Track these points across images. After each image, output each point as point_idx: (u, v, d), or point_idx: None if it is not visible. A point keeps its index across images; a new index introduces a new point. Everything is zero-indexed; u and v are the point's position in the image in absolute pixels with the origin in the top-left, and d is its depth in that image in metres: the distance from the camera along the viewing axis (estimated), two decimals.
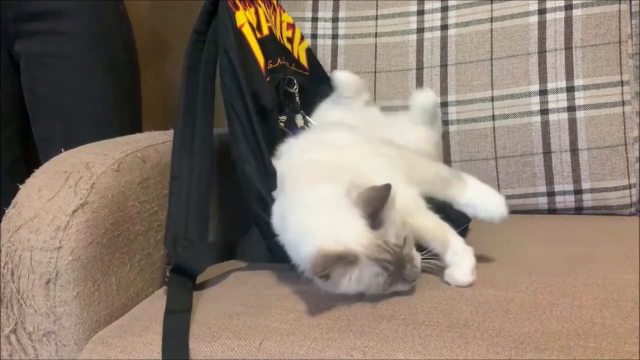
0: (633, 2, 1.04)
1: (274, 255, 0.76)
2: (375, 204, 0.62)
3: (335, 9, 1.16)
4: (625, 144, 1.01)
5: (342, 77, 1.00)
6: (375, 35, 1.14)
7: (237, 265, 0.83)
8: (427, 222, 0.70)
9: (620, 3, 1.03)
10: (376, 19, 1.15)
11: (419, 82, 1.12)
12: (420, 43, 1.12)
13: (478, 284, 0.67)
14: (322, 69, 1.10)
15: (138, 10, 1.43)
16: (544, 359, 0.51)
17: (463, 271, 0.67)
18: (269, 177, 0.79)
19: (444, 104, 1.09)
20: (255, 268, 0.82)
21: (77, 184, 0.69)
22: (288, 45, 1.02)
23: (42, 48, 1.10)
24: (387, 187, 0.62)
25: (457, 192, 0.74)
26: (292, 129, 0.93)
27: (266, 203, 0.77)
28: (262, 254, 0.79)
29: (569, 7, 1.04)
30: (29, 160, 1.18)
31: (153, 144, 0.82)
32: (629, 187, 1.01)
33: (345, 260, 0.60)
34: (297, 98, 0.95)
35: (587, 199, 1.02)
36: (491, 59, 1.07)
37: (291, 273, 0.76)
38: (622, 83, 1.02)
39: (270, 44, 0.92)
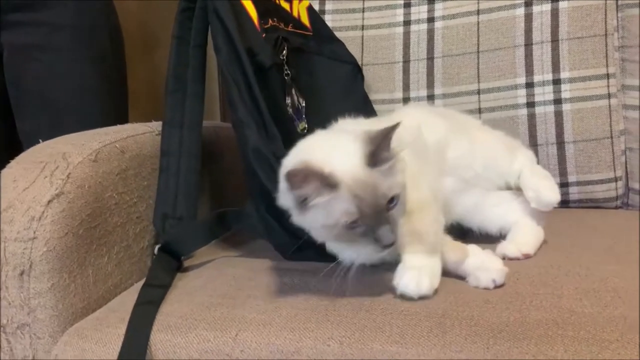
0: None
1: (267, 226, 0.75)
2: (377, 141, 0.59)
3: (322, 1, 1.15)
4: (612, 137, 1.01)
5: None
6: (362, 27, 1.14)
7: (219, 254, 0.83)
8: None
9: None
10: (363, 12, 1.14)
11: (406, 75, 1.11)
12: (407, 36, 1.11)
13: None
14: (327, 28, 1.05)
15: (127, 4, 1.42)
16: (522, 348, 0.50)
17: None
18: (272, 140, 0.76)
19: (431, 97, 1.08)
20: (237, 259, 0.81)
21: (53, 174, 0.68)
22: (285, 5, 0.96)
23: (27, 39, 1.08)
24: (393, 127, 0.59)
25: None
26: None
27: (271, 166, 0.74)
28: (254, 224, 0.77)
29: (555, 0, 1.04)
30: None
31: (133, 134, 0.81)
32: (615, 179, 1.01)
33: (325, 180, 0.57)
34: (285, 70, 0.90)
35: (574, 192, 1.01)
36: (477, 52, 1.07)
37: (273, 264, 0.76)
38: (608, 76, 1.01)
39: (260, 3, 0.88)
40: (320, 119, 0.93)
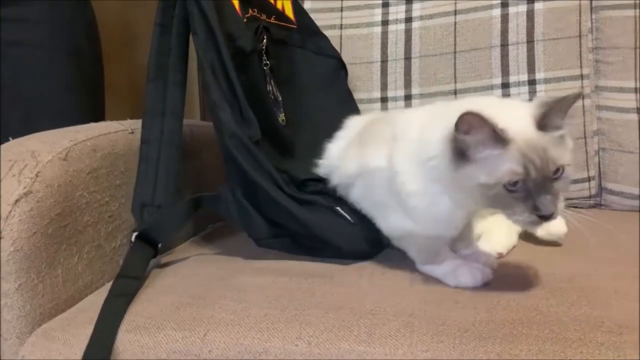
0: None
1: (242, 211, 0.75)
2: (552, 104, 0.57)
3: (301, 0, 1.15)
4: (585, 137, 1.02)
5: None
6: (341, 27, 1.14)
7: (194, 252, 0.84)
8: None
9: None
10: (341, 11, 1.14)
11: (384, 75, 1.11)
12: (384, 35, 1.12)
13: (428, 272, 0.67)
14: (312, 22, 1.05)
15: (108, 5, 1.40)
16: (487, 347, 0.51)
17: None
18: (247, 124, 0.77)
19: (408, 97, 1.09)
20: (212, 257, 0.82)
21: (22, 172, 0.67)
22: None
23: (3, 35, 1.06)
24: (575, 95, 0.57)
25: None
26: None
27: (248, 149, 0.74)
28: (229, 208, 0.77)
29: (530, 1, 1.05)
30: None
31: (105, 133, 0.80)
32: (589, 179, 1.02)
33: (497, 134, 0.55)
34: (264, 60, 0.89)
35: None
36: (454, 52, 1.07)
37: (246, 263, 0.76)
38: (582, 77, 1.02)
39: None
40: (299, 112, 0.94)
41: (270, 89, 0.89)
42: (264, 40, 0.90)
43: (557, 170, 0.57)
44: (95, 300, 0.69)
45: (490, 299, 0.59)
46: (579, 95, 0.58)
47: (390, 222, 0.71)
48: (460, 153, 0.58)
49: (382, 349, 0.52)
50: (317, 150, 0.91)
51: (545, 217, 0.56)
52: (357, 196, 0.76)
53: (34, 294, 0.65)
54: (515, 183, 0.56)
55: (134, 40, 1.51)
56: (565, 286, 0.62)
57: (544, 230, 0.80)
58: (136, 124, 0.86)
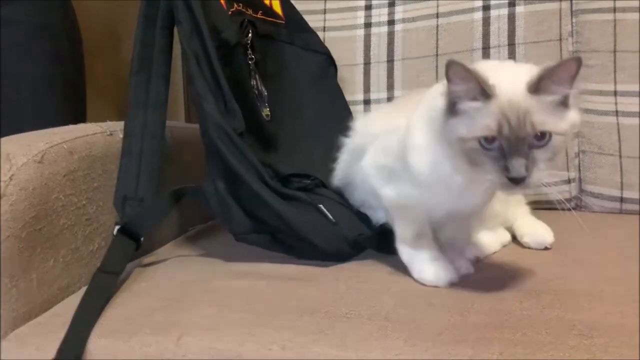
0: (574, 1, 1.06)
1: (223, 204, 0.75)
2: (548, 68, 0.55)
3: None
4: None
5: None
6: (324, 29, 1.14)
7: (174, 254, 0.83)
8: None
9: (561, 1, 1.05)
10: (324, 13, 1.14)
11: (367, 77, 1.12)
12: (367, 38, 1.12)
13: (405, 276, 0.68)
14: (301, 18, 1.05)
15: (92, 5, 1.40)
16: (459, 350, 0.51)
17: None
18: (232, 115, 0.77)
19: (390, 99, 1.09)
20: (193, 259, 0.81)
21: None
22: None
23: None
24: (575, 60, 0.56)
25: None
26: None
27: (232, 141, 0.74)
28: (210, 201, 0.77)
29: (512, 4, 1.05)
30: None
31: (83, 135, 0.79)
32: (569, 181, 1.03)
33: (481, 85, 0.55)
34: (249, 54, 0.89)
35: (529, 194, 1.03)
36: (436, 55, 1.08)
37: (225, 266, 0.76)
38: None
39: None
40: (286, 107, 0.94)
41: (255, 83, 0.89)
42: (249, 35, 0.90)
43: (540, 136, 0.55)
44: (71, 304, 0.68)
45: (465, 302, 0.59)
46: (579, 61, 0.56)
47: (390, 189, 0.70)
48: (452, 105, 0.58)
49: (355, 353, 0.52)
50: (303, 145, 0.91)
51: (515, 180, 0.55)
52: (368, 162, 0.74)
53: (7, 298, 0.64)
54: (491, 141, 0.55)
55: (119, 39, 1.50)
56: (540, 289, 0.62)
57: (530, 238, 0.81)
58: (115, 126, 0.85)
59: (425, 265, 0.65)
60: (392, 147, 0.69)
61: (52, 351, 0.58)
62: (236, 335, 0.56)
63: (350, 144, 0.83)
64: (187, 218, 1.02)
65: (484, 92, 0.55)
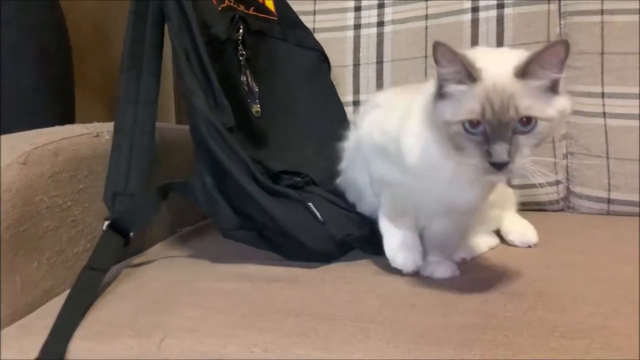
0: (562, 3, 1.06)
1: (211, 199, 0.75)
2: (533, 53, 0.55)
3: None
4: (553, 141, 1.03)
5: None
6: (313, 30, 1.13)
7: (161, 255, 0.83)
8: None
9: (549, 3, 1.05)
10: (314, 14, 1.14)
11: (356, 78, 1.12)
12: (357, 39, 1.12)
13: (391, 278, 0.68)
14: (294, 14, 1.04)
15: (80, 2, 1.39)
16: (441, 352, 0.51)
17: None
18: (221, 110, 0.77)
19: None
20: (180, 260, 0.81)
21: None
22: None
23: None
24: (562, 43, 0.54)
25: None
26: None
27: (221, 136, 0.74)
28: (197, 196, 0.77)
29: (500, 6, 1.06)
30: None
31: (68, 136, 0.78)
32: (557, 183, 1.03)
33: (467, 68, 0.54)
34: (240, 50, 0.89)
35: (516, 195, 1.03)
36: (425, 57, 1.08)
37: (213, 267, 0.75)
38: None
39: None
40: (278, 104, 0.94)
41: (245, 79, 0.90)
42: (240, 31, 0.90)
43: (526, 121, 0.54)
44: (55, 307, 0.67)
45: (448, 303, 0.59)
46: (566, 44, 0.55)
47: (381, 167, 0.71)
48: (439, 88, 0.57)
49: (337, 355, 0.52)
50: (295, 142, 0.91)
51: (497, 165, 0.54)
52: (365, 129, 0.75)
53: None
54: (475, 125, 0.55)
55: (109, 38, 1.49)
56: (524, 290, 0.63)
57: (515, 236, 0.82)
58: (102, 127, 0.85)
59: (400, 249, 0.67)
60: (389, 129, 0.69)
61: (35, 354, 0.58)
62: (219, 338, 0.56)
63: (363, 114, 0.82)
64: (178, 218, 1.02)
65: (470, 75, 0.55)
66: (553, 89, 0.56)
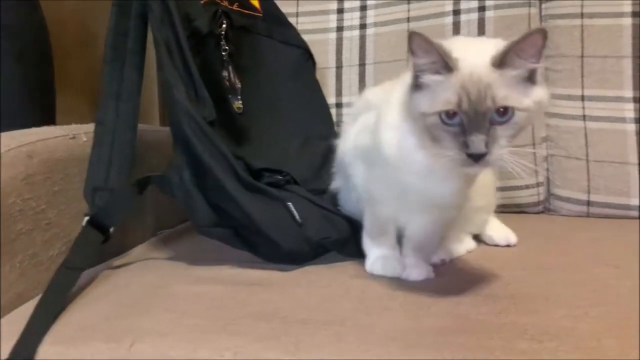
0: (543, 6, 1.07)
1: (187, 194, 0.75)
2: (511, 42, 0.54)
3: None
4: (534, 144, 1.03)
5: None
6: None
7: (141, 257, 0.83)
8: None
9: (530, 7, 1.06)
10: (297, 17, 1.14)
11: (339, 81, 1.12)
12: (339, 42, 1.12)
13: (367, 281, 0.67)
14: (279, 11, 1.04)
15: (67, 2, 1.38)
16: (412, 355, 0.51)
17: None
18: (202, 104, 0.76)
19: None
20: (157, 262, 0.81)
21: None
22: None
23: None
24: (539, 31, 0.54)
25: None
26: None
27: (201, 129, 0.74)
28: (174, 190, 0.76)
29: (482, 9, 1.06)
30: None
31: (44, 138, 0.77)
32: (537, 185, 1.04)
33: (443, 58, 0.54)
34: (223, 45, 0.89)
35: (497, 197, 1.03)
36: (407, 59, 1.08)
37: (190, 270, 0.75)
38: None
39: None
40: (261, 101, 0.93)
41: (227, 74, 0.89)
42: (223, 26, 0.89)
43: (503, 111, 0.54)
44: (28, 311, 0.67)
45: (422, 306, 0.59)
46: (544, 33, 0.54)
47: (362, 170, 0.71)
48: (415, 79, 0.57)
49: (308, 359, 0.52)
50: (278, 140, 0.90)
51: (474, 157, 0.54)
52: (345, 143, 0.76)
53: None
54: (451, 116, 0.54)
55: (93, 37, 1.48)
56: (498, 293, 0.63)
57: (495, 232, 0.83)
58: (79, 129, 0.84)
59: (377, 259, 0.68)
60: (370, 125, 0.68)
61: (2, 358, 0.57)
62: (189, 342, 0.55)
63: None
64: (162, 219, 1.01)
65: (447, 65, 0.54)
66: (530, 78, 0.56)
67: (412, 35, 0.55)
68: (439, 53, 0.54)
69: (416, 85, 0.57)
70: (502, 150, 0.54)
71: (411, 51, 0.56)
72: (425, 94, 0.56)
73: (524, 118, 0.55)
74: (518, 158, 0.56)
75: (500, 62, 0.54)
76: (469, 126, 0.54)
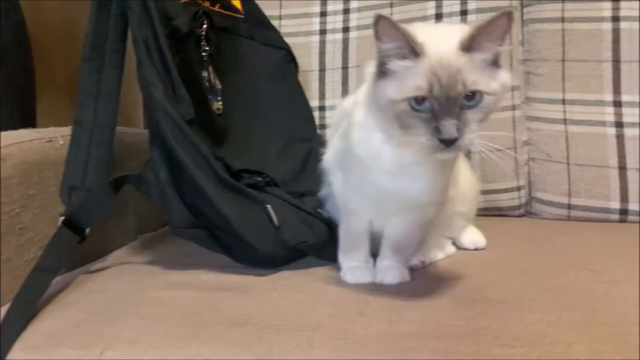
0: (524, 10, 1.07)
1: (164, 194, 0.74)
2: (477, 26, 0.54)
3: None
4: (515, 147, 1.04)
5: None
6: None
7: (117, 262, 0.82)
8: None
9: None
10: (280, 19, 1.14)
11: (322, 84, 1.11)
12: (322, 45, 1.12)
13: (343, 286, 0.67)
14: (261, 13, 1.04)
15: (48, 2, 1.37)
16: None
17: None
18: (180, 102, 0.76)
19: None
20: (132, 267, 0.80)
21: None
22: None
23: None
24: (506, 14, 0.54)
25: None
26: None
27: (179, 128, 0.73)
28: (150, 189, 0.76)
29: (464, 12, 1.06)
30: None
31: (18, 141, 0.77)
32: (518, 189, 1.04)
33: (410, 43, 0.53)
34: (204, 46, 0.89)
35: (479, 200, 1.03)
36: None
37: (165, 275, 0.74)
38: (512, 88, 1.04)
39: None
40: (241, 102, 0.93)
41: (207, 75, 0.89)
42: (204, 26, 0.89)
43: (471, 95, 0.54)
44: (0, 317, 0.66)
45: (396, 311, 0.59)
46: (510, 15, 0.54)
47: (340, 176, 0.71)
48: (381, 65, 0.56)
49: None
50: (258, 141, 0.90)
51: (447, 142, 0.54)
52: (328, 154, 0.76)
53: None
54: (421, 102, 0.54)
55: (75, 38, 1.47)
56: (473, 298, 0.63)
57: (464, 237, 0.82)
58: (55, 132, 0.83)
59: (348, 270, 0.68)
60: (346, 130, 0.68)
61: None
62: (160, 349, 0.55)
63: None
64: (142, 223, 1.00)
65: (414, 50, 0.54)
66: (495, 62, 0.56)
67: (378, 19, 0.54)
68: (405, 38, 0.54)
69: (382, 72, 0.57)
70: (472, 135, 0.55)
71: (376, 35, 0.55)
72: (392, 80, 0.56)
73: (492, 102, 0.56)
74: (488, 141, 0.56)
75: (469, 45, 0.54)
76: (439, 111, 0.54)
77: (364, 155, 0.63)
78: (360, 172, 0.65)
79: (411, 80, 0.54)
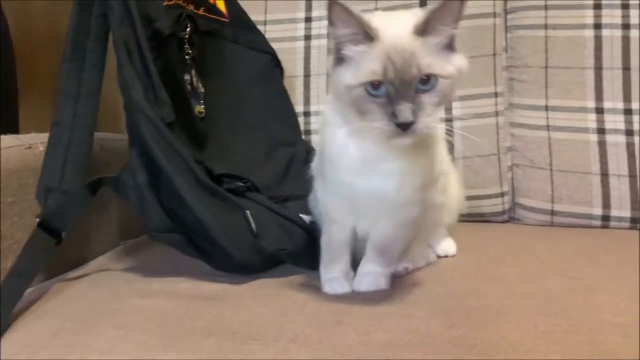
0: (507, 17, 1.08)
1: (141, 197, 0.74)
2: (431, 10, 0.54)
3: None
4: (498, 154, 1.04)
5: None
6: None
7: (97, 269, 0.81)
8: None
9: (495, 17, 1.07)
10: (265, 24, 1.14)
11: (307, 89, 1.11)
12: (307, 50, 1.12)
13: (323, 295, 0.67)
14: (246, 17, 1.04)
15: (34, 6, 1.36)
16: None
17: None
18: (160, 104, 0.75)
19: None
20: (113, 274, 0.79)
21: None
22: None
23: None
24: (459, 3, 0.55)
25: None
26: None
27: (159, 130, 0.73)
28: (128, 193, 0.76)
29: None
30: None
31: None
32: (502, 195, 1.05)
33: (364, 29, 0.54)
34: (187, 49, 0.88)
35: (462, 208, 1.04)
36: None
37: (144, 284, 0.74)
38: (496, 94, 1.05)
39: None
40: (224, 106, 0.93)
41: (189, 78, 0.88)
42: (188, 29, 0.89)
43: (426, 79, 0.55)
44: None
45: (374, 320, 0.59)
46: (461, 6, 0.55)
47: (320, 184, 0.71)
48: (337, 52, 0.57)
49: None
50: (241, 146, 0.89)
51: (403, 126, 0.54)
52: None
53: None
54: (377, 86, 0.55)
55: (60, 41, 1.46)
56: (451, 306, 0.63)
57: (438, 246, 0.83)
58: (35, 139, 0.83)
59: (327, 281, 0.68)
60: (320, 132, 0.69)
61: None
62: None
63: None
64: (125, 229, 1.00)
65: (368, 35, 0.55)
66: (450, 46, 0.57)
67: (331, 5, 0.55)
68: (359, 23, 0.55)
69: (338, 59, 0.57)
70: (428, 118, 0.55)
71: (330, 21, 0.56)
72: (348, 66, 0.57)
73: (447, 85, 0.57)
74: (445, 125, 0.58)
75: (423, 29, 0.55)
76: (395, 96, 0.55)
77: (331, 152, 0.63)
78: (333, 173, 0.65)
79: (366, 65, 0.55)
